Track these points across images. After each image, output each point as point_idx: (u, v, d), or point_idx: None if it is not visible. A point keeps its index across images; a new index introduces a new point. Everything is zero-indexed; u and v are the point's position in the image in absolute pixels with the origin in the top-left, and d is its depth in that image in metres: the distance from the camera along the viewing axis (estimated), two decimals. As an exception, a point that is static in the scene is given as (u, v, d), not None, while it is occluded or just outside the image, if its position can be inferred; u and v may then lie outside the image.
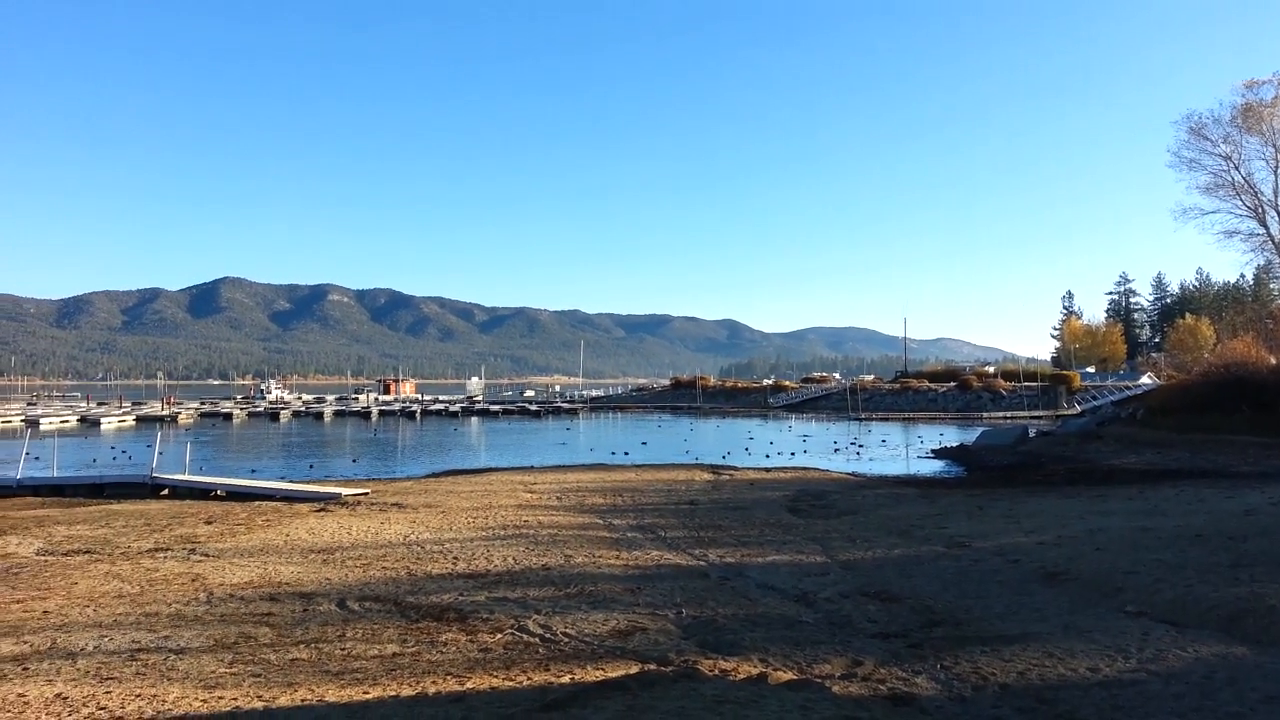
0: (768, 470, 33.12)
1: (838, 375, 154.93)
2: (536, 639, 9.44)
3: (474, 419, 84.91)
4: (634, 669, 8.02)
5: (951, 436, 54.14)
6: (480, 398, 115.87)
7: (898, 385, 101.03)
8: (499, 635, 9.60)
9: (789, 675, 7.78)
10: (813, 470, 33.41)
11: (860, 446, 48.16)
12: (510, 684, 7.62)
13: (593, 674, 7.91)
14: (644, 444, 50.64)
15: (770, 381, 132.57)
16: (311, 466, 37.77)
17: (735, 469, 33.46)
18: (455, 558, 14.82)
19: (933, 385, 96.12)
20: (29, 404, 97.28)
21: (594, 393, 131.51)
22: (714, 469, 33.04)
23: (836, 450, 45.96)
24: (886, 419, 77.31)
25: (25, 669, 8.44)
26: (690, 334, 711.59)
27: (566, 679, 7.76)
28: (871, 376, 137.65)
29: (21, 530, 18.72)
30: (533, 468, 35.10)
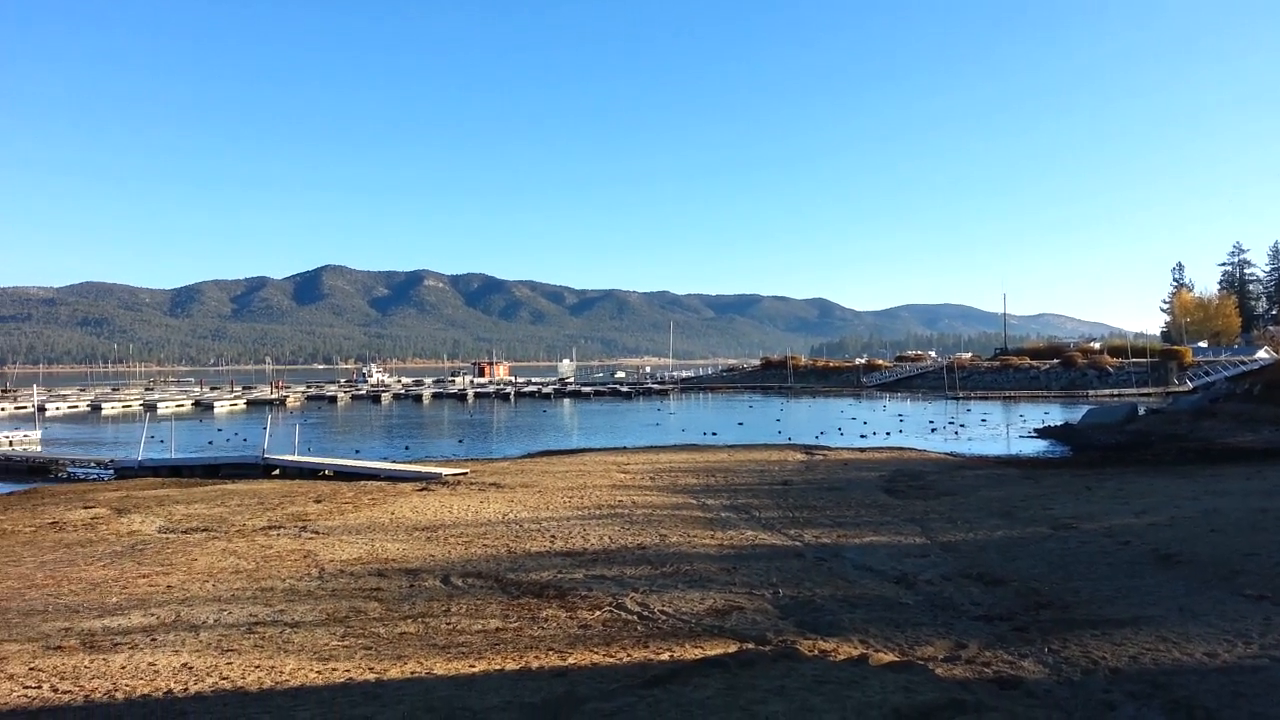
0: (862, 450, 32.65)
1: (933, 353, 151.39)
2: (634, 616, 9.55)
3: (566, 400, 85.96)
4: (732, 648, 8.05)
5: (1055, 415, 52.40)
6: (572, 379, 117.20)
7: (997, 363, 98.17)
8: (598, 612, 9.74)
9: (890, 657, 7.69)
10: (909, 450, 32.80)
11: (960, 426, 47.04)
12: (611, 660, 7.73)
13: (691, 652, 7.96)
14: (740, 424, 50.53)
15: (863, 360, 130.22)
16: (407, 448, 38.83)
17: (829, 449, 33.09)
18: (553, 536, 15.07)
19: (1034, 362, 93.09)
20: (147, 389, 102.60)
21: (684, 374, 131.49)
22: (807, 449, 32.74)
23: (933, 430, 45.00)
24: (985, 398, 75.24)
25: (153, 639, 8.94)
26: (780, 313, 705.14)
27: (666, 656, 7.84)
28: (969, 354, 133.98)
29: (144, 509, 19.80)
30: (625, 448, 35.37)
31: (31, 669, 7.76)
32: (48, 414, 66.75)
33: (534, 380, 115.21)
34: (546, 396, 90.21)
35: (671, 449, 34.56)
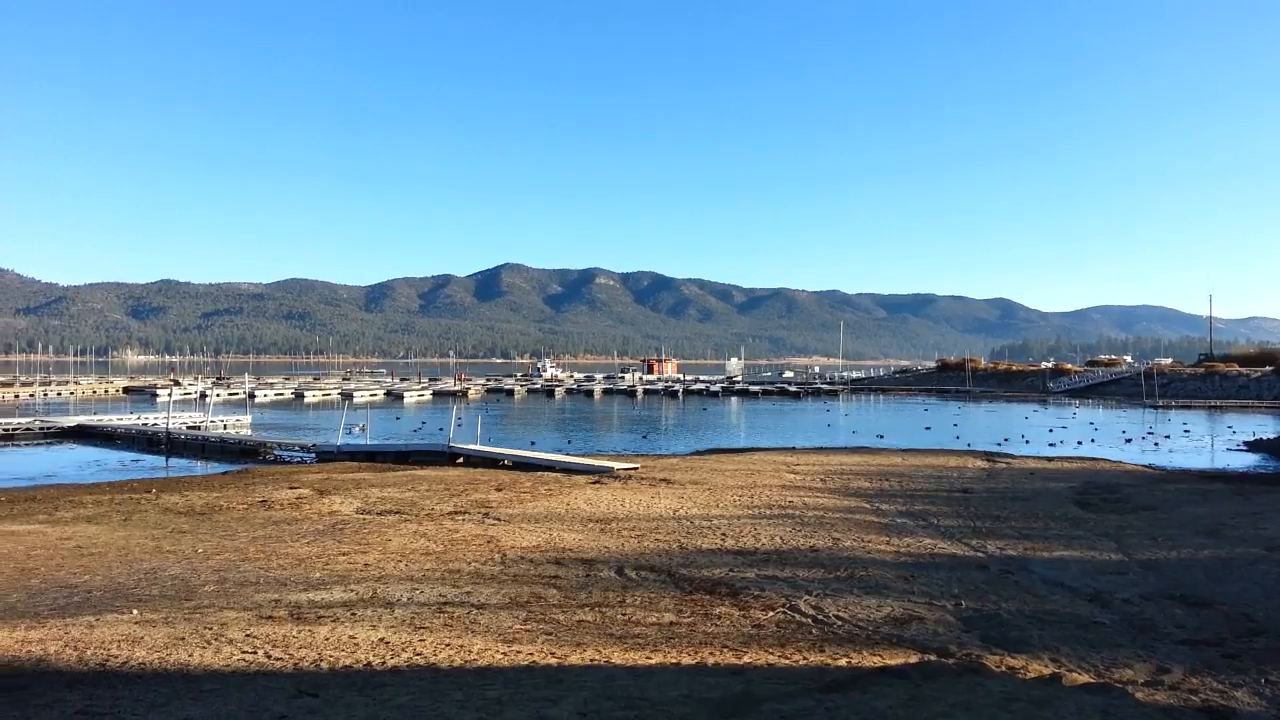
0: (1049, 460, 30.89)
1: (1129, 358, 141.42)
2: (809, 619, 9.44)
3: (733, 399, 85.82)
4: (913, 658, 7.82)
5: (1269, 428, 47.76)
6: (739, 378, 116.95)
7: (1201, 369, 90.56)
8: (771, 613, 9.69)
9: (1085, 678, 7.27)
10: (1102, 461, 30.75)
11: (1162, 437, 43.68)
12: (786, 662, 7.68)
13: (869, 659, 7.80)
14: (927, 429, 48.87)
15: (1049, 365, 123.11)
16: (569, 441, 39.84)
17: (1012, 457, 31.51)
18: (723, 534, 15.11)
19: (1243, 370, 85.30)
20: (344, 379, 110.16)
21: (854, 374, 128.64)
22: (988, 456, 31.30)
23: (1129, 440, 41.96)
24: (1188, 407, 69.53)
25: (353, 614, 9.59)
26: (957, 314, 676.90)
27: (843, 662, 7.71)
28: (1169, 360, 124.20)
29: (343, 491, 21.26)
30: (794, 449, 34.96)
31: (248, 635, 8.49)
32: (257, 400, 72.89)
33: (701, 378, 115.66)
34: (714, 395, 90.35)
35: (842, 451, 33.88)
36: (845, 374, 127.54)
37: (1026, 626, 9.25)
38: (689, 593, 10.78)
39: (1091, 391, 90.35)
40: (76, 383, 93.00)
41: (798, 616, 9.57)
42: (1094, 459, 31.66)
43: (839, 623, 9.33)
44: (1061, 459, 31.34)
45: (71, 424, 41.37)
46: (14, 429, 40.16)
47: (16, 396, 75.36)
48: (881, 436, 41.98)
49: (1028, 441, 39.95)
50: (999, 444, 37.92)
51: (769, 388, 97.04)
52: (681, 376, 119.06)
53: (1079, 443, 39.76)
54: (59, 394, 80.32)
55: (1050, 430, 46.83)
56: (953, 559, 13.26)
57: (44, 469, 29.30)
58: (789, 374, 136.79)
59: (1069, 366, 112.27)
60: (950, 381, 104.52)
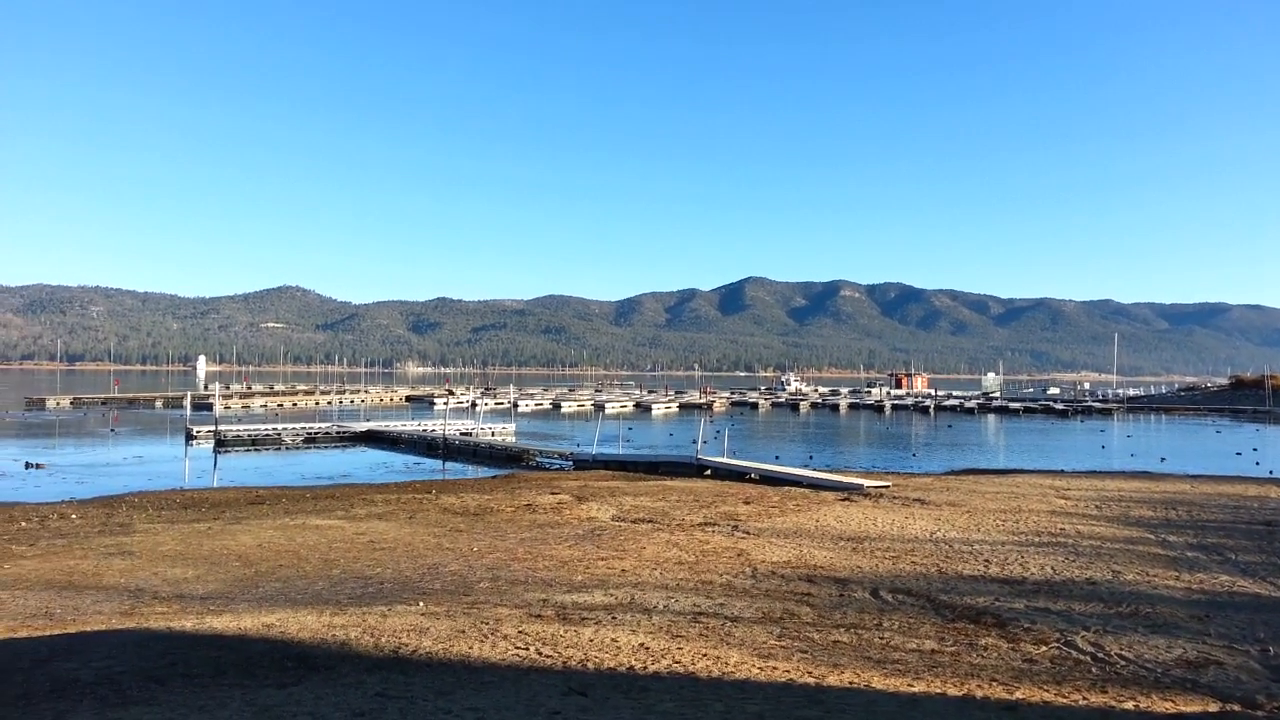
0: (1378, 492, 26.71)
1: None
2: (1087, 657, 8.74)
3: (990, 416, 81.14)
4: (1212, 706, 7.06)
5: None
6: (997, 394, 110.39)
7: None
8: (1043, 648, 9.07)
9: None
10: None
11: None
12: (1064, 701, 7.16)
13: (1160, 704, 7.11)
14: (1238, 454, 43.93)
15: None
16: (812, 457, 39.17)
17: (1329, 488, 27.54)
18: (986, 560, 14.33)
19: None
20: (596, 390, 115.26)
21: (1131, 391, 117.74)
22: (1298, 486, 27.54)
23: None
24: None
25: (614, 617, 9.99)
26: (1254, 325, 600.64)
27: (1130, 705, 7.08)
28: None
29: (599, 498, 22.22)
30: (1062, 472, 32.49)
31: (520, 632, 9.07)
32: (520, 410, 77.77)
33: (955, 394, 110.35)
34: (969, 411, 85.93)
35: (1119, 475, 31.07)
36: (1120, 391, 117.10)
37: (1357, 684, 8.06)
38: (951, 620, 10.31)
39: None
40: (366, 391, 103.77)
41: (1074, 653, 8.89)
42: None
43: (1122, 662, 8.57)
44: (1395, 492, 26.99)
45: (362, 429, 46.23)
46: (315, 433, 45.50)
47: (316, 403, 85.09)
48: (1164, 460, 38.14)
49: (1350, 471, 34.77)
50: (1311, 472, 33.29)
51: (1031, 405, 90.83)
52: (933, 392, 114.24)
53: None
54: (351, 401, 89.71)
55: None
56: (1256, 599, 11.80)
57: (340, 469, 32.89)
58: (1054, 390, 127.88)
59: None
60: (1247, 401, 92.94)
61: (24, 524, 18.58)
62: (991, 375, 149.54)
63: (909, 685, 7.49)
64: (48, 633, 9.21)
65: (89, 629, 9.38)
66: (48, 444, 43.90)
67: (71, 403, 79.63)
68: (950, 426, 65.83)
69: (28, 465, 32.63)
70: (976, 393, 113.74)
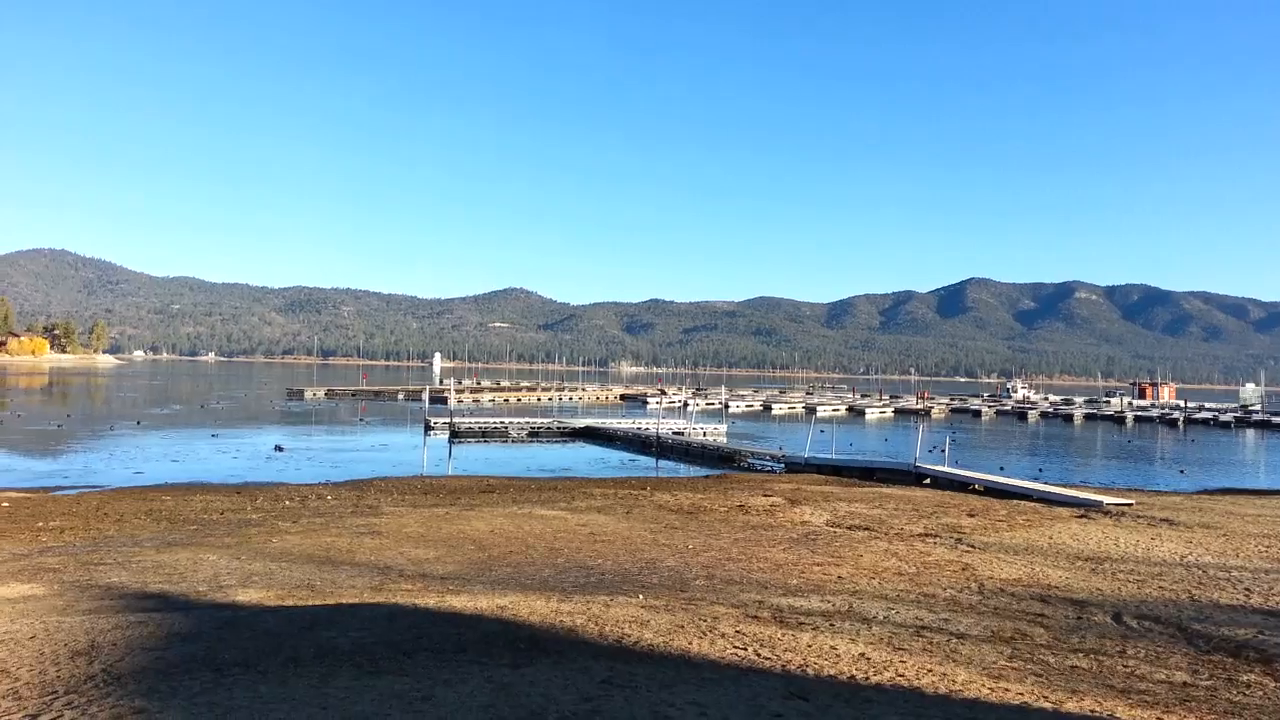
0: None
1: None
2: (1379, 708, 7.71)
3: (1249, 431, 73.04)
4: None
5: None
6: (1258, 407, 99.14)
7: None
8: (1323, 692, 8.08)
9: None
10: None
11: None
12: (1350, 755, 6.37)
13: None
14: None
15: None
16: (1041, 470, 36.64)
17: None
18: (1247, 589, 12.93)
19: None
20: (807, 393, 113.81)
21: None
22: None
23: None
24: None
25: (831, 624, 9.82)
26: None
27: None
28: None
29: (812, 502, 21.92)
30: (1343, 496, 28.76)
31: (737, 631, 9.11)
32: (730, 410, 78.07)
33: (1208, 405, 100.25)
34: (1225, 425, 77.79)
35: None
36: None
37: None
38: (1205, 652, 9.40)
39: None
40: (583, 389, 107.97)
41: (1360, 700, 7.87)
42: None
43: None
44: None
45: (581, 425, 48.11)
46: (539, 428, 47.80)
47: (538, 399, 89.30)
48: None
49: None
50: None
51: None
52: (1182, 403, 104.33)
53: None
54: (569, 398, 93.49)
55: None
56: None
57: (562, 463, 34.37)
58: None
59: None
60: None
61: (288, 503, 20.74)
62: (1250, 386, 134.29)
63: (1158, 718, 6.90)
64: (310, 603, 10.21)
65: (345, 601, 10.31)
66: (304, 430, 48.73)
67: (325, 394, 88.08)
68: (1209, 443, 59.83)
69: (276, 449, 36.60)
70: (1233, 405, 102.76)
